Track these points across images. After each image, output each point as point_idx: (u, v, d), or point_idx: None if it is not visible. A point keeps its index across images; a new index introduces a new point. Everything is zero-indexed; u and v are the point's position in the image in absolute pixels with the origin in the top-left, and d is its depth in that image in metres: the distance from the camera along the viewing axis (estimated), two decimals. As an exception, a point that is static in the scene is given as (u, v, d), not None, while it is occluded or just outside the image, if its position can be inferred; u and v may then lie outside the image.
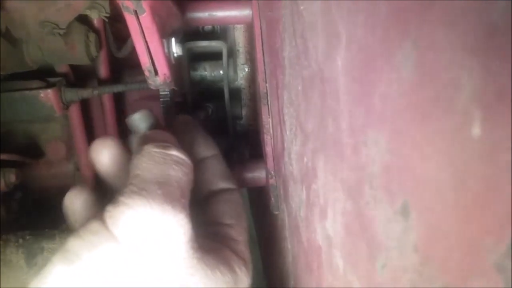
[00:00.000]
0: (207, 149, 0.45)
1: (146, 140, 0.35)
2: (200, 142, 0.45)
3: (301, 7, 0.32)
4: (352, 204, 0.22)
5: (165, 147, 0.34)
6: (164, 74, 0.47)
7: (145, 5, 0.40)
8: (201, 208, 0.41)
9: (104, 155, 0.42)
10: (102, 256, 0.29)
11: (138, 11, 0.40)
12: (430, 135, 0.14)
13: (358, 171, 0.21)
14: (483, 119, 0.12)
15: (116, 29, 0.84)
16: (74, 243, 0.29)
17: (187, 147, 0.39)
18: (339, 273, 0.26)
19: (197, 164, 0.41)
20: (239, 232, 0.40)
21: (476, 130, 0.12)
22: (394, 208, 0.17)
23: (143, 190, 0.30)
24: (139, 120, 0.43)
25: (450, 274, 0.14)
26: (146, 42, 0.43)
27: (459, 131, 0.13)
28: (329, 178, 0.27)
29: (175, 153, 0.34)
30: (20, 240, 0.66)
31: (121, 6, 0.40)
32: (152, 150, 0.34)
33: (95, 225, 0.30)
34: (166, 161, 0.33)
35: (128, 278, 0.29)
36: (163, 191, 0.30)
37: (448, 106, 0.13)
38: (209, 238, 0.37)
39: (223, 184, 0.44)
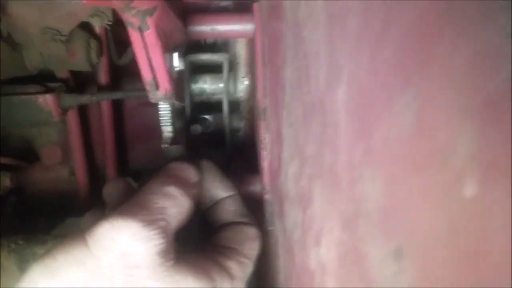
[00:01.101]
0: (226, 191, 0.50)
1: (159, 174, 0.42)
2: (219, 184, 0.50)
3: (304, 33, 0.33)
4: (347, 236, 0.23)
5: (162, 183, 0.40)
6: (165, 88, 0.48)
7: (149, 22, 0.40)
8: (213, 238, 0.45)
9: (114, 195, 0.48)
10: (73, 259, 0.34)
11: (142, 28, 0.40)
12: (426, 187, 0.15)
13: (354, 204, 0.22)
14: (476, 182, 0.12)
15: (117, 34, 0.84)
16: (54, 246, 0.35)
17: (207, 187, 0.47)
18: (332, 301, 0.26)
19: (216, 204, 0.48)
20: (234, 253, 0.41)
21: (469, 190, 0.12)
22: (388, 248, 0.18)
23: (125, 211, 0.36)
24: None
25: (441, 322, 0.14)
26: (149, 57, 0.44)
27: (453, 188, 0.13)
28: (325, 206, 0.27)
29: (170, 189, 0.40)
30: (12, 245, 0.66)
31: (126, 22, 0.40)
32: (151, 184, 0.40)
33: (78, 233, 0.36)
34: (159, 193, 0.39)
35: (96, 282, 0.34)
36: (142, 213, 0.36)
37: (443, 162, 0.14)
38: (200, 255, 0.40)
39: (237, 219, 0.46)
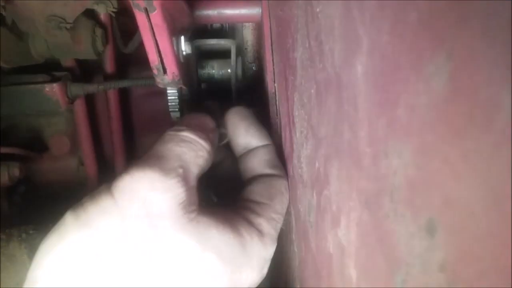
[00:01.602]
0: (260, 139, 0.47)
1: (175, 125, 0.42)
2: (253, 133, 0.47)
3: (317, 9, 0.31)
4: (369, 215, 0.22)
5: (177, 130, 0.40)
6: (173, 72, 0.47)
7: (155, 3, 0.39)
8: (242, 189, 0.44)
9: None
10: (101, 210, 0.35)
11: (148, 9, 0.39)
12: (464, 153, 0.13)
13: (377, 182, 0.21)
14: (526, 141, 0.11)
15: (122, 23, 0.83)
16: (85, 198, 0.37)
17: (240, 134, 0.46)
18: (351, 284, 0.25)
19: (248, 152, 0.47)
20: (264, 209, 0.40)
21: (517, 152, 0.11)
22: (418, 223, 0.17)
23: (144, 163, 0.36)
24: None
25: (481, 299, 0.13)
26: (155, 40, 0.43)
27: (498, 150, 0.12)
28: (343, 186, 0.26)
29: (184, 133, 0.39)
30: (23, 235, 0.65)
31: (132, 4, 0.39)
32: (166, 133, 0.40)
33: (104, 187, 0.37)
34: (173, 140, 0.39)
35: (123, 232, 0.34)
36: (160, 162, 0.36)
37: (485, 124, 0.12)
38: (228, 209, 0.39)
39: (268, 170, 0.45)
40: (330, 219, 0.29)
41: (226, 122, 0.46)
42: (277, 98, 0.54)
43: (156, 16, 0.41)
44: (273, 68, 0.55)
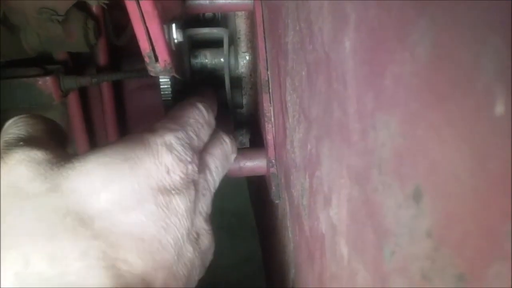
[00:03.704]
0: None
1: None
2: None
3: (306, -9, 0.31)
4: (358, 191, 0.22)
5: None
6: (165, 60, 0.46)
7: (145, -11, 0.39)
8: None
9: None
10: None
11: (138, -5, 0.39)
12: (448, 117, 0.13)
13: (365, 156, 0.21)
14: (506, 97, 0.11)
15: (115, 17, 0.83)
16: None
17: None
18: (343, 262, 0.25)
19: None
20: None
21: (499, 109, 0.11)
22: (405, 193, 0.17)
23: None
24: None
25: (467, 261, 0.13)
26: (146, 27, 0.42)
27: (481, 111, 0.12)
28: (334, 164, 0.26)
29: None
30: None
31: (121, -10, 0.39)
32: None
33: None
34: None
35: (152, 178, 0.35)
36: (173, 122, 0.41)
37: (468, 86, 0.12)
38: None
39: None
40: (322, 199, 0.29)
41: None
42: (270, 86, 0.54)
43: (146, 3, 0.40)
44: (266, 56, 0.55)
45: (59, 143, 0.39)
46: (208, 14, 0.67)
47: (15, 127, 0.36)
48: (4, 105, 0.74)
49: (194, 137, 0.41)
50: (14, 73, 0.75)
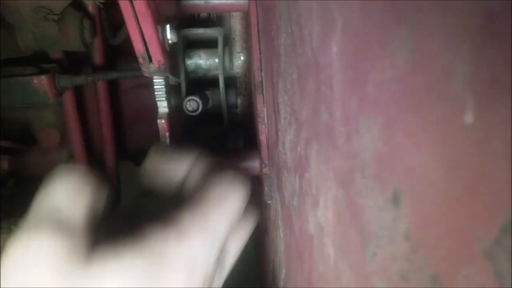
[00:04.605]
0: None
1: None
2: None
3: (297, -6, 0.32)
4: (343, 193, 0.22)
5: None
6: (159, 61, 0.47)
7: (139, -10, 0.39)
8: None
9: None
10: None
11: (132, -4, 0.39)
12: (423, 123, 0.14)
13: (350, 159, 0.21)
14: (475, 107, 0.11)
15: (110, 16, 0.83)
16: None
17: None
18: (330, 262, 0.26)
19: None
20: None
21: (468, 118, 0.12)
22: (385, 196, 0.17)
23: None
24: None
25: (440, 263, 0.14)
26: (140, 28, 0.43)
27: (452, 119, 0.12)
28: (321, 167, 0.27)
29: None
30: (13, 227, 0.65)
31: (115, -9, 0.39)
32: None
33: None
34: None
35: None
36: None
37: (441, 93, 0.13)
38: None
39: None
40: (311, 201, 0.30)
41: None
42: (263, 87, 0.54)
43: (140, 4, 0.41)
44: (260, 57, 0.55)
45: (96, 216, 0.31)
46: (203, 14, 0.67)
47: (58, 191, 0.30)
48: (-1, 104, 0.74)
49: (223, 243, 0.32)
50: (9, 71, 0.75)
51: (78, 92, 0.84)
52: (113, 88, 0.87)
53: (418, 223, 0.15)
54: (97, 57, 0.81)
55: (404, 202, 0.15)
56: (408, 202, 0.15)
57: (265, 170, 0.54)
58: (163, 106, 0.53)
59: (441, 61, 0.13)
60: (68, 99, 0.81)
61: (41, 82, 0.74)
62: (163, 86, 0.52)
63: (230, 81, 0.68)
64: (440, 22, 0.13)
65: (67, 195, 0.29)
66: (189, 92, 0.62)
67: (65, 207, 0.29)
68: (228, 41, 0.68)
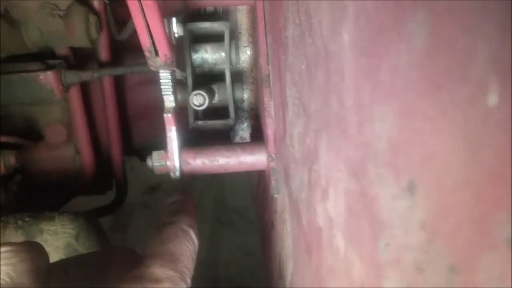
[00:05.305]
0: None
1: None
2: None
3: (306, -16, 0.31)
4: (355, 183, 0.22)
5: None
6: (165, 54, 0.46)
7: (145, -18, 0.38)
8: None
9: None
10: None
11: (138, -12, 0.39)
12: (443, 107, 0.13)
13: (362, 149, 0.21)
14: (500, 87, 0.11)
15: (116, 12, 0.83)
16: None
17: None
18: (339, 255, 0.25)
19: None
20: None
21: (492, 99, 0.11)
22: (399, 185, 0.17)
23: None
24: None
25: (458, 252, 0.13)
26: (146, 21, 0.42)
27: (474, 101, 0.12)
28: (331, 157, 0.26)
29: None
30: (20, 222, 0.65)
31: (121, -17, 0.39)
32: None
33: None
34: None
35: None
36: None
37: (462, 75, 0.12)
38: None
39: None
40: (320, 193, 0.29)
41: None
42: (270, 80, 0.54)
43: (146, -3, 0.40)
44: (267, 50, 0.55)
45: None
46: (209, 8, 0.67)
47: None
48: (6, 100, 0.74)
49: (188, 275, 0.40)
50: (15, 68, 0.75)
51: (84, 88, 0.84)
52: (119, 83, 0.86)
53: (435, 211, 0.14)
54: (103, 53, 0.81)
55: (420, 190, 0.15)
56: (424, 190, 0.15)
57: (272, 164, 0.54)
58: (169, 100, 0.53)
59: (462, 42, 0.12)
60: (74, 95, 0.81)
61: (47, 78, 0.74)
62: (170, 80, 0.52)
63: (237, 75, 0.68)
64: (462, 3, 0.12)
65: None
66: (196, 87, 0.61)
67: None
68: (234, 35, 0.68)
